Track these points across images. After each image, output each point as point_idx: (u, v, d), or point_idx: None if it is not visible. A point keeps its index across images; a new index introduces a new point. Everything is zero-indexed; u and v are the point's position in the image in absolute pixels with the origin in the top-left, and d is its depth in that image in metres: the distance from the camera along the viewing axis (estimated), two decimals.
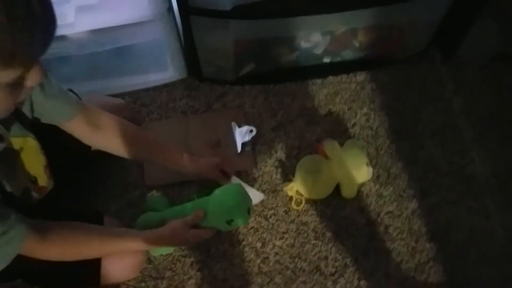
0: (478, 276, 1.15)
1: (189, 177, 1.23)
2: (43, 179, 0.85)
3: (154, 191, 1.24)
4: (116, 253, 0.95)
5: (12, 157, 0.77)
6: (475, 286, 1.14)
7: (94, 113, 0.95)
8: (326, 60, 1.41)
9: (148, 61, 1.40)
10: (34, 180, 0.83)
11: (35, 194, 0.82)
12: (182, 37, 1.31)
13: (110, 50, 1.24)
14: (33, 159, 0.83)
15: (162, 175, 1.25)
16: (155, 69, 1.42)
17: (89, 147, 1.04)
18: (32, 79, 0.56)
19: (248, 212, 0.95)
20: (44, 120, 0.86)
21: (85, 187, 1.22)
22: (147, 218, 1.02)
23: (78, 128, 0.93)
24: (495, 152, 1.30)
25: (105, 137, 0.97)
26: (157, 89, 1.42)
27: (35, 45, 0.52)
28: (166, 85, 1.42)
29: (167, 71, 1.41)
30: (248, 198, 0.98)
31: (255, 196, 1.21)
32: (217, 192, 0.96)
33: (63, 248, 0.82)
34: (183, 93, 1.41)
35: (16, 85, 0.55)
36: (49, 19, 0.53)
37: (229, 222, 0.94)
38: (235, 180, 1.21)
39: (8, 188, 0.73)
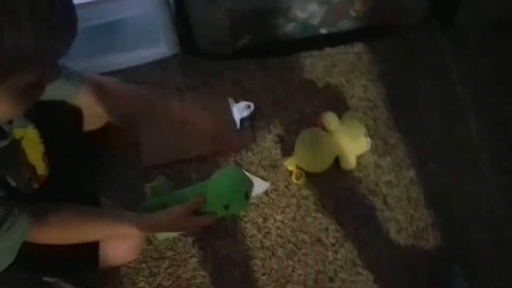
0: (475, 241, 1.18)
1: (189, 154, 1.25)
2: (41, 168, 0.86)
3: (160, 176, 1.22)
4: (114, 236, 0.96)
5: (16, 151, 0.77)
6: (472, 251, 1.17)
7: (96, 80, 0.96)
8: (323, 31, 1.39)
9: (138, 36, 1.38)
10: (33, 170, 0.83)
11: (35, 184, 0.83)
12: (174, 9, 1.28)
13: (98, 25, 1.22)
14: (33, 148, 0.83)
15: (159, 153, 1.27)
16: (146, 44, 1.39)
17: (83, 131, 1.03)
18: (50, 78, 0.56)
19: (246, 196, 0.93)
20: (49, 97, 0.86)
21: (83, 171, 1.22)
22: (149, 203, 1.03)
23: (85, 99, 0.93)
24: (492, 119, 1.31)
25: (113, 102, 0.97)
26: (150, 65, 1.40)
27: (57, 47, 0.52)
28: (159, 61, 1.41)
29: (160, 46, 1.39)
30: (246, 182, 0.95)
31: (260, 184, 1.23)
32: (214, 176, 0.95)
33: (59, 231, 0.83)
34: (177, 69, 1.40)
35: (36, 86, 0.55)
36: (71, 20, 0.53)
37: (226, 207, 0.92)
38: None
39: (13, 184, 0.73)
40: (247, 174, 1.21)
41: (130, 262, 1.14)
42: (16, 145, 0.77)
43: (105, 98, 0.95)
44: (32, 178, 0.81)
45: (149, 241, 1.17)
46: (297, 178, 1.23)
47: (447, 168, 1.25)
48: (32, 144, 0.82)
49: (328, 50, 1.41)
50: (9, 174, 0.73)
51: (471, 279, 1.09)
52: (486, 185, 1.23)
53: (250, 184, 0.97)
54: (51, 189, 0.88)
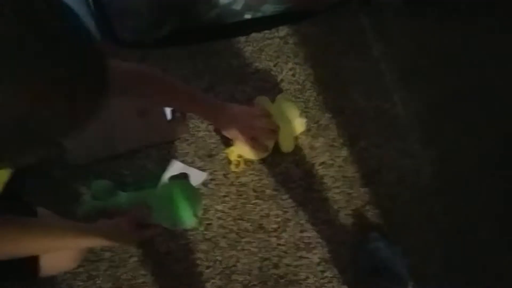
0: (409, 214, 1.22)
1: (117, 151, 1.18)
2: None
3: (93, 179, 1.13)
4: (57, 250, 0.89)
5: None
6: (406, 225, 1.21)
7: None
8: (248, 16, 1.38)
9: None
10: None
11: None
12: None
13: None
14: None
15: (84, 151, 1.19)
16: None
17: None
18: None
19: (195, 215, 0.91)
20: None
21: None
22: (88, 207, 0.96)
23: None
24: (416, 92, 1.37)
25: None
26: None
27: None
28: None
29: None
30: (193, 200, 0.92)
31: (198, 175, 1.19)
32: (162, 189, 0.92)
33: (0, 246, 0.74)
34: None
35: None
36: None
37: (173, 225, 0.91)
38: (176, 164, 1.18)
39: None
40: (185, 166, 1.19)
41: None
42: None
43: None
44: None
45: None
46: (236, 166, 1.21)
47: (376, 144, 1.29)
48: None
49: (254, 35, 1.40)
50: None
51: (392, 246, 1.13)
52: (414, 159, 1.28)
53: (199, 201, 0.95)
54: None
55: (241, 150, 1.21)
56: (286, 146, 1.24)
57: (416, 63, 1.39)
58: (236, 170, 1.21)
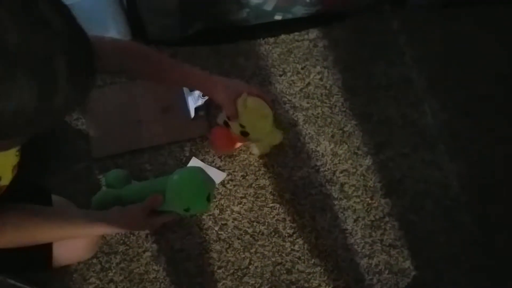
0: (433, 227, 1.21)
1: (141, 145, 1.22)
2: (7, 179, 0.81)
3: (113, 169, 1.19)
4: (71, 238, 0.93)
5: None
6: (431, 237, 1.20)
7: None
8: (278, 17, 1.39)
9: (87, 22, 1.32)
10: None
11: None
12: None
13: None
14: (3, 159, 0.78)
15: (109, 144, 1.24)
16: (94, 31, 1.33)
17: None
18: None
19: (208, 199, 0.92)
20: None
21: (27, 161, 1.18)
22: (103, 196, 0.99)
23: None
24: (446, 102, 1.34)
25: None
26: None
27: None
28: None
29: (109, 33, 1.35)
30: (208, 184, 0.94)
31: (217, 175, 1.21)
32: (175, 177, 0.92)
33: (16, 234, 0.79)
34: None
35: None
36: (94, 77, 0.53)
37: (186, 209, 0.91)
38: (195, 162, 1.20)
39: None
40: (205, 165, 1.21)
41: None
42: None
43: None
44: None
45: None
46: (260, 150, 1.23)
47: (403, 154, 1.27)
48: (5, 156, 0.77)
49: (283, 37, 1.41)
50: None
51: None
52: (442, 170, 1.26)
53: (212, 186, 0.96)
54: (7, 194, 0.84)
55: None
56: (259, 149, 1.24)
57: (447, 71, 1.35)
58: (257, 153, 1.23)
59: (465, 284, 1.16)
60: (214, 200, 1.13)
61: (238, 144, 1.23)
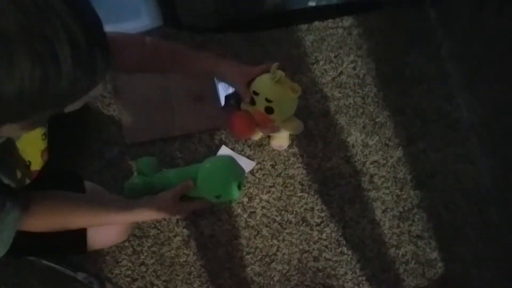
0: (463, 221, 1.23)
1: (173, 133, 1.26)
2: (37, 163, 0.87)
3: (143, 156, 1.18)
4: (103, 225, 0.98)
5: (10, 149, 0.78)
6: (459, 232, 1.22)
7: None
8: (312, 3, 1.39)
9: (119, 8, 1.36)
10: (28, 165, 0.84)
11: (27, 180, 0.84)
12: None
13: None
14: (33, 144, 0.84)
15: (142, 131, 1.29)
16: (126, 17, 1.38)
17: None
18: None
19: (239, 187, 0.95)
20: None
21: (60, 148, 1.24)
22: (134, 182, 1.04)
23: None
24: (482, 97, 1.33)
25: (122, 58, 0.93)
26: None
27: (95, 82, 0.54)
28: (141, 33, 1.40)
29: (141, 18, 1.39)
30: (239, 173, 0.97)
31: (246, 164, 1.25)
32: (207, 164, 0.96)
33: (50, 220, 0.85)
34: None
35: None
36: (108, 55, 0.54)
37: (217, 197, 0.95)
38: (224, 150, 1.25)
39: (6, 181, 0.74)
40: (235, 154, 1.24)
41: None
42: (10, 143, 0.78)
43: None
44: (26, 174, 0.83)
45: None
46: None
47: (435, 148, 1.29)
48: (32, 140, 0.83)
49: (317, 24, 1.42)
50: (1, 172, 0.74)
51: None
52: (474, 166, 1.27)
53: (243, 175, 0.99)
54: (41, 181, 0.89)
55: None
56: (278, 140, 1.25)
57: (485, 66, 1.34)
58: (277, 145, 1.26)
59: (490, 280, 1.18)
60: (244, 188, 1.18)
61: (259, 133, 1.24)
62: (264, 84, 1.05)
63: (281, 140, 1.26)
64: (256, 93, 1.07)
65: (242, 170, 0.99)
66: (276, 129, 1.17)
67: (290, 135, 1.26)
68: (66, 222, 0.87)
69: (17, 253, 1.02)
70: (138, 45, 1.00)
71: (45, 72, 0.46)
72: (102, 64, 0.52)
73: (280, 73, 1.04)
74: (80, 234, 0.99)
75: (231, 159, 0.99)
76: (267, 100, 1.06)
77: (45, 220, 0.84)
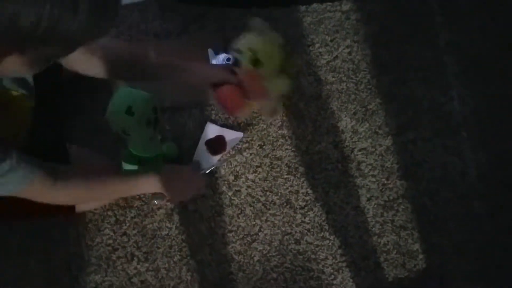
0: (445, 213, 1.31)
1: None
2: (20, 138, 0.93)
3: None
4: (125, 195, 1.12)
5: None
6: (442, 223, 1.30)
7: None
8: None
9: None
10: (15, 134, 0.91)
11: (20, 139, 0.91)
12: None
13: None
14: (20, 108, 0.90)
15: None
16: None
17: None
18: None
19: (129, 112, 0.99)
20: None
21: (47, 112, 1.28)
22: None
23: (75, 62, 1.01)
24: (476, 90, 1.40)
25: (100, 64, 1.04)
26: (127, 7, 1.47)
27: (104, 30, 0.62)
28: (137, 4, 1.47)
29: None
30: (128, 99, 1.01)
31: (233, 135, 1.33)
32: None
33: (75, 193, 0.92)
34: (156, 13, 1.46)
35: (57, 57, 0.67)
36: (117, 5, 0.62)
37: (123, 131, 1.03)
38: (211, 127, 1.34)
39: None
40: (221, 129, 1.30)
41: (96, 209, 1.26)
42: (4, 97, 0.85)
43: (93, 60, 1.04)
44: (19, 133, 0.90)
45: None
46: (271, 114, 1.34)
47: (425, 138, 1.36)
48: (21, 113, 0.90)
49: (315, 6, 1.48)
50: None
51: None
52: (461, 159, 1.34)
53: (137, 101, 1.02)
54: (34, 142, 0.97)
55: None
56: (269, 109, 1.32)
57: (482, 59, 1.41)
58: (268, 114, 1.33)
59: (470, 273, 1.26)
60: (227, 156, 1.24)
61: (250, 106, 1.28)
62: (246, 39, 1.16)
63: (273, 106, 1.32)
64: (239, 51, 1.16)
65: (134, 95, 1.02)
66: (265, 94, 1.24)
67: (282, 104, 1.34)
68: (90, 195, 0.95)
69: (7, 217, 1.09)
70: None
71: (62, 13, 0.54)
72: (112, 13, 0.61)
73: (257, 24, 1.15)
74: None
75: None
76: (251, 51, 1.16)
77: (71, 192, 0.91)
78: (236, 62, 1.21)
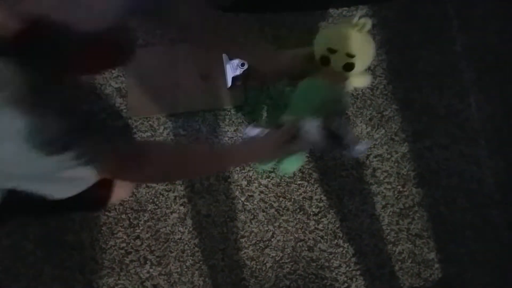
0: (462, 222, 1.33)
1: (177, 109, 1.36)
2: None
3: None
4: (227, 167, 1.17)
5: None
6: (459, 232, 1.32)
7: None
8: None
9: None
10: None
11: None
12: None
13: None
14: None
15: (146, 105, 1.40)
16: None
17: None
18: None
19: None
20: None
21: None
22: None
23: None
24: (494, 97, 1.43)
25: None
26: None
27: None
28: None
29: None
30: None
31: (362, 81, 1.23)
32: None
33: (170, 168, 0.91)
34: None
35: None
36: None
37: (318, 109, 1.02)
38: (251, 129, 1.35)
39: None
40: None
41: (110, 212, 1.30)
42: None
43: None
44: None
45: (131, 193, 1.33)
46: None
47: (441, 145, 1.39)
48: None
49: (331, 11, 1.51)
50: None
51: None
52: (479, 166, 1.36)
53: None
54: None
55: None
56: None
57: (499, 64, 1.43)
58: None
59: (487, 283, 1.28)
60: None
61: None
62: (345, 37, 1.05)
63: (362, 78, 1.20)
64: (332, 51, 1.07)
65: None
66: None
67: None
68: (189, 169, 0.96)
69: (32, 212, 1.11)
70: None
71: None
72: None
73: (363, 21, 1.06)
74: (108, 189, 1.09)
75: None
76: (348, 55, 1.07)
77: (166, 168, 0.90)
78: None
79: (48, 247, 1.29)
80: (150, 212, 1.32)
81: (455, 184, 1.35)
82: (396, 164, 1.37)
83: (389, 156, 1.38)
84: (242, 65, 1.39)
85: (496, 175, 1.34)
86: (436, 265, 1.30)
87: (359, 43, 1.06)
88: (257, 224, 1.32)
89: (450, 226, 1.33)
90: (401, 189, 1.35)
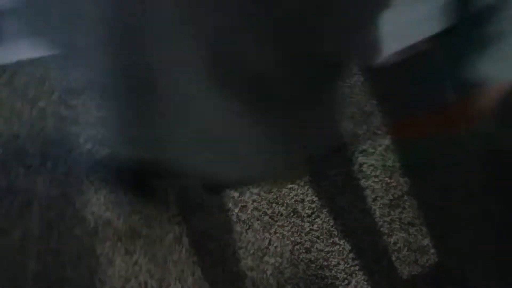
0: (455, 208, 1.38)
1: None
2: None
3: None
4: None
5: None
6: (451, 216, 1.37)
7: None
8: None
9: None
10: None
11: None
12: None
13: None
14: None
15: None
16: None
17: None
18: None
19: None
20: None
21: None
22: None
23: None
24: None
25: None
26: None
27: None
28: None
29: None
30: None
31: None
32: None
33: None
34: None
35: None
36: None
37: None
38: None
39: None
40: None
41: (105, 242, 1.29)
42: None
43: None
44: None
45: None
46: None
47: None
48: None
49: None
50: None
51: None
52: (466, 152, 1.41)
53: None
54: None
55: None
56: None
57: None
58: None
59: (487, 273, 1.33)
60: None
61: None
62: None
63: None
64: None
65: None
66: None
67: None
68: None
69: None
70: None
71: None
72: None
73: None
74: None
75: None
76: None
77: None
78: None
79: (48, 282, 1.28)
80: (145, 236, 1.32)
81: (442, 171, 1.39)
82: (381, 157, 1.41)
83: (373, 150, 1.41)
84: None
85: (480, 158, 1.39)
86: (432, 250, 1.35)
87: None
88: (253, 233, 1.34)
89: (441, 211, 1.38)
90: (388, 181, 1.39)
